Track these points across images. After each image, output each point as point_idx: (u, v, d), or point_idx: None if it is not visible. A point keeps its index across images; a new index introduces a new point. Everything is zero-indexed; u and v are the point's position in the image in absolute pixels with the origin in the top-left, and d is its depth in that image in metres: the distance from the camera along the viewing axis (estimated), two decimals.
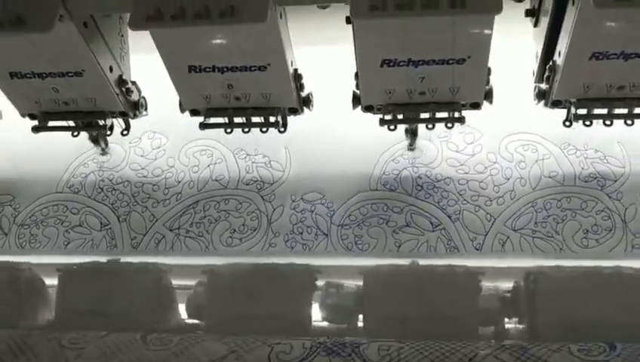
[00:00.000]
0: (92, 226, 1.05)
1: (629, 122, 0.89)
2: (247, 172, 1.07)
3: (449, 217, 0.98)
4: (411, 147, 1.04)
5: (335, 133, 1.06)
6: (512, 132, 1.04)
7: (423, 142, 1.03)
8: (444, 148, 1.04)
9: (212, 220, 1.03)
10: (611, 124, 0.90)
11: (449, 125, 0.92)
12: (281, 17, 0.79)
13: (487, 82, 0.86)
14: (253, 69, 0.83)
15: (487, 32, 0.75)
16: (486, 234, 0.96)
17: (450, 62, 0.79)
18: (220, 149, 1.09)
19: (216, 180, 1.06)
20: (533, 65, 0.91)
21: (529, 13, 0.90)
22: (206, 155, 1.09)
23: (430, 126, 0.93)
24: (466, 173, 1.01)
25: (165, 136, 1.12)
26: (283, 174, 1.05)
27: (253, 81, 0.85)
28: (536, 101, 0.90)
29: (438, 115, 0.90)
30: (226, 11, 0.73)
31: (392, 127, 0.92)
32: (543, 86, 0.88)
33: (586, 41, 0.77)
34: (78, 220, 1.05)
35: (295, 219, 1.01)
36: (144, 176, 1.08)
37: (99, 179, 1.09)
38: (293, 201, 1.03)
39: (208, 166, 1.08)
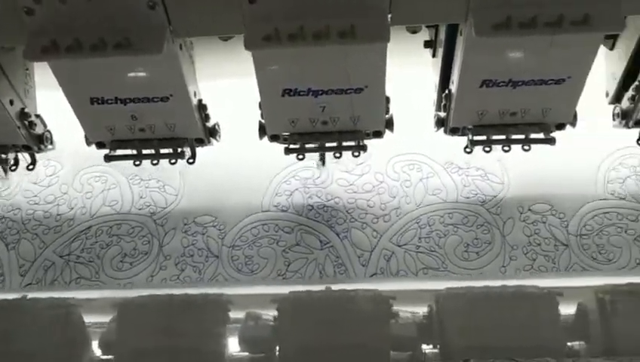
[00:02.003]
0: None
1: (526, 147, 0.92)
2: (141, 197, 1.07)
3: (337, 235, 1.00)
4: (319, 167, 1.07)
5: (229, 157, 1.08)
6: (399, 153, 1.08)
7: (312, 162, 1.06)
8: (335, 170, 1.06)
9: (103, 245, 1.02)
10: (509, 149, 0.93)
11: (355, 154, 0.95)
12: (181, 49, 0.79)
13: (387, 111, 0.88)
14: (155, 100, 0.83)
15: (380, 61, 0.77)
16: (372, 251, 0.98)
17: (349, 91, 0.81)
18: (115, 175, 1.09)
19: (110, 205, 1.06)
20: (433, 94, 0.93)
21: (427, 44, 0.94)
22: (100, 181, 1.09)
23: (338, 155, 0.95)
24: (355, 193, 1.04)
25: (60, 163, 1.11)
26: (176, 198, 1.06)
27: (156, 112, 0.85)
28: (435, 128, 0.92)
29: (344, 143, 0.91)
30: (122, 43, 0.72)
31: (300, 156, 0.94)
32: (442, 114, 0.90)
33: (475, 69, 0.79)
34: None
35: (187, 241, 1.01)
36: (36, 204, 1.07)
37: None
38: (185, 225, 1.03)
39: (102, 192, 1.08)
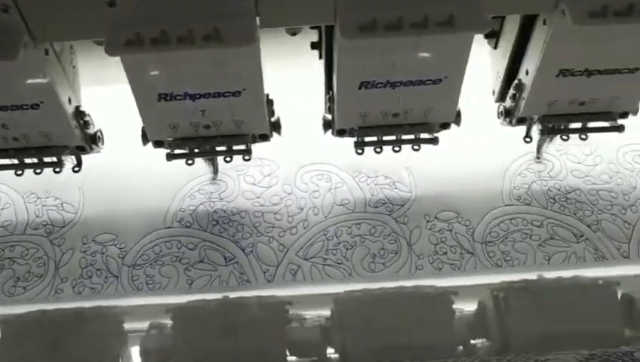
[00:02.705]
0: None
1: (415, 147, 0.93)
2: (37, 216, 1.01)
3: (243, 250, 0.97)
4: (214, 180, 1.04)
5: (131, 170, 1.04)
6: (308, 162, 1.05)
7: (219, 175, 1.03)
8: (241, 181, 1.04)
9: None
10: (400, 149, 0.93)
11: (246, 158, 0.93)
12: (47, 54, 0.76)
13: (272, 113, 0.87)
14: (25, 107, 0.79)
15: (253, 64, 0.75)
16: (278, 265, 0.96)
17: (226, 95, 0.79)
18: (9, 193, 1.03)
19: (3, 226, 1.00)
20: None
21: (314, 45, 0.92)
22: None
23: (228, 159, 0.94)
24: (262, 206, 1.01)
25: None
26: (75, 216, 1.01)
27: (27, 120, 0.81)
28: (323, 131, 0.92)
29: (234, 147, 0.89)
30: None
31: (189, 161, 0.92)
32: (328, 116, 0.90)
33: (350, 71, 0.78)
34: None
35: (85, 262, 0.97)
36: None
37: None
38: (84, 244, 0.98)
39: None
